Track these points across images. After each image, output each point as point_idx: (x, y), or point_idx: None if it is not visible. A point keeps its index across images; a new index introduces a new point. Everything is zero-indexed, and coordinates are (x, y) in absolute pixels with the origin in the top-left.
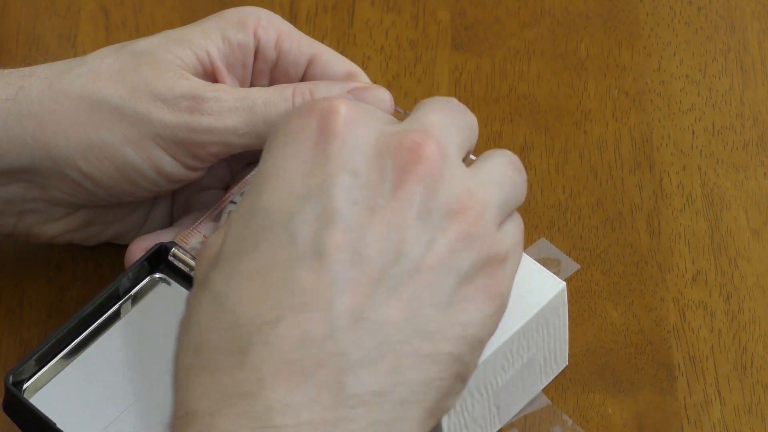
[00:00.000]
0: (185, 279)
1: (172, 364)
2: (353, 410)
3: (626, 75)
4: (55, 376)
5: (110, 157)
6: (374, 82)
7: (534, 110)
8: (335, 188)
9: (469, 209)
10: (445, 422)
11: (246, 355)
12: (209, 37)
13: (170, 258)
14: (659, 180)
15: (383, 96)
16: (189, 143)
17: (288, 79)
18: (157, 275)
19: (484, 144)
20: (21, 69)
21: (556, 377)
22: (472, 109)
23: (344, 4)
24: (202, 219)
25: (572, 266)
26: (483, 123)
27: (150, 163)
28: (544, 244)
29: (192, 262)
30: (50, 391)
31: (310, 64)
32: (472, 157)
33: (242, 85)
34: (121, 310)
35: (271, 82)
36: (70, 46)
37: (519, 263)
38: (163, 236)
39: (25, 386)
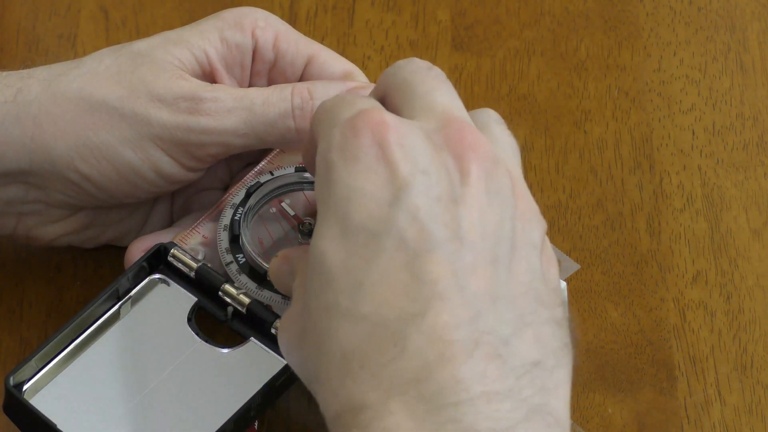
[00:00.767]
0: (184, 279)
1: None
2: (519, 380)
3: (626, 75)
4: (55, 377)
5: (109, 159)
6: (374, 81)
7: (534, 110)
8: (416, 190)
9: (520, 183)
10: None
11: (403, 346)
12: (207, 38)
13: (170, 258)
14: (659, 180)
15: None
16: (188, 144)
17: (286, 80)
18: (157, 276)
19: None
20: (19, 71)
21: None
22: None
23: (344, 4)
24: (201, 219)
25: (572, 266)
26: None
27: (149, 164)
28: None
29: (192, 263)
30: (50, 392)
31: (308, 64)
32: None
33: (240, 86)
34: (121, 311)
35: (270, 83)
36: (70, 47)
37: None
38: (162, 237)
39: (25, 387)
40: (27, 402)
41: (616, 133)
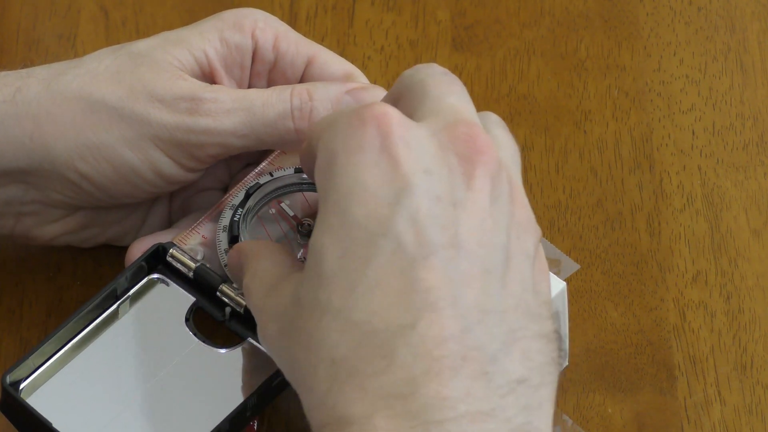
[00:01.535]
0: (183, 279)
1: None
2: (504, 399)
3: (626, 75)
4: (52, 376)
5: (108, 159)
6: (374, 82)
7: (534, 110)
8: (417, 189)
9: (518, 190)
10: None
11: (391, 358)
12: (207, 39)
13: (168, 258)
14: (659, 180)
15: (381, 96)
16: (187, 144)
17: (286, 81)
18: (155, 276)
19: None
20: (19, 70)
21: None
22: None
23: (344, 4)
24: (200, 220)
25: (572, 266)
26: None
27: (148, 164)
28: (544, 244)
29: (190, 263)
30: (47, 392)
31: (308, 65)
32: None
33: (240, 87)
34: (119, 311)
35: (269, 84)
36: (70, 47)
37: None
38: (162, 237)
39: (22, 386)
40: (23, 401)
41: (616, 133)
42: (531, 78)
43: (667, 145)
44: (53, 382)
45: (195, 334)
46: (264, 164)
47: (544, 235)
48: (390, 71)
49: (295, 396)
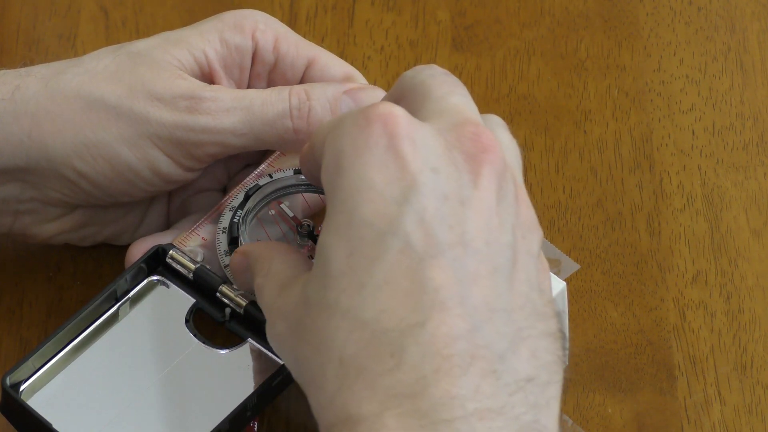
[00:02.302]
0: (183, 281)
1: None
2: (512, 397)
3: (626, 75)
4: (52, 377)
5: (106, 157)
6: (374, 82)
7: (534, 110)
8: (425, 188)
9: (522, 190)
10: None
11: (400, 357)
12: (207, 39)
13: (168, 260)
14: (659, 180)
15: (379, 97)
16: (186, 143)
17: (286, 82)
18: (155, 277)
19: None
20: (18, 69)
21: None
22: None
23: (344, 4)
24: (200, 221)
25: (572, 266)
26: None
27: (146, 163)
28: (544, 244)
29: (190, 264)
30: (47, 393)
31: (308, 67)
32: None
33: (239, 88)
34: (119, 312)
35: (269, 85)
36: (70, 46)
37: None
38: (162, 238)
39: (22, 388)
40: (23, 402)
41: (616, 133)
42: (531, 78)
43: (667, 145)
44: (54, 383)
45: (195, 335)
46: (263, 166)
47: (544, 235)
48: (390, 71)
49: (295, 396)
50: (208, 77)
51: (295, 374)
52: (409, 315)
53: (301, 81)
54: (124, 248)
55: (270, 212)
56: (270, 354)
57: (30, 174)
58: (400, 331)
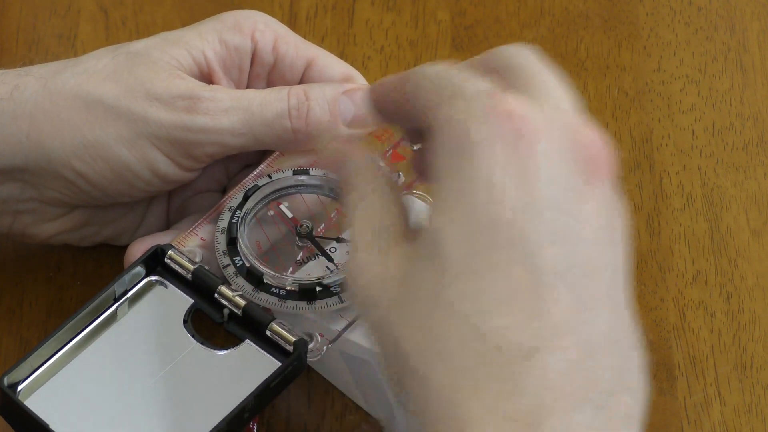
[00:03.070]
0: (182, 281)
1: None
2: (626, 428)
3: (626, 75)
4: (50, 377)
5: (105, 157)
6: (374, 82)
7: None
8: (547, 202)
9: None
10: None
11: (517, 383)
12: (206, 40)
13: (166, 260)
14: (659, 180)
15: None
16: (185, 143)
17: (285, 83)
18: (154, 278)
19: None
20: (17, 69)
21: None
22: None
23: (344, 4)
24: (199, 222)
25: None
26: None
27: (145, 163)
28: None
29: (188, 265)
30: (46, 393)
31: (307, 67)
32: None
33: (238, 88)
34: (118, 313)
35: (268, 86)
36: (70, 46)
37: None
38: (161, 239)
39: (20, 388)
40: (21, 403)
41: (616, 133)
42: None
43: (667, 145)
44: (52, 383)
45: (193, 336)
46: (262, 166)
47: None
48: (390, 71)
49: (295, 396)
50: (207, 78)
51: (387, 352)
52: (529, 339)
53: (301, 81)
54: (124, 248)
55: (269, 213)
56: (268, 355)
57: (28, 174)
58: (520, 353)
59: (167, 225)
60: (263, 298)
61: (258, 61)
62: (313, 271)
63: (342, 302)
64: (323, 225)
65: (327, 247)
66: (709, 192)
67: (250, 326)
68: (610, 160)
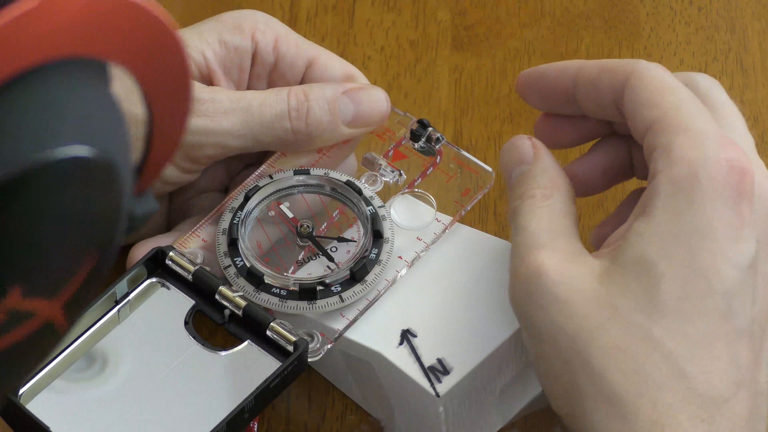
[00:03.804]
0: (183, 282)
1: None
2: None
3: None
4: (52, 381)
5: None
6: (374, 82)
7: (534, 110)
8: (753, 260)
9: None
10: (444, 422)
11: (710, 425)
12: (206, 40)
13: (168, 262)
14: None
15: (379, 96)
16: (184, 145)
17: (286, 83)
18: (155, 279)
19: (484, 144)
20: None
21: None
22: (472, 109)
23: (344, 4)
24: (201, 223)
25: None
26: (483, 123)
27: None
28: None
29: (189, 266)
30: (47, 397)
31: (308, 67)
32: None
33: (239, 89)
34: (119, 314)
35: (269, 86)
36: None
37: None
38: (163, 241)
39: (21, 391)
40: (22, 406)
41: None
42: None
43: None
44: (53, 387)
45: (194, 337)
46: (264, 167)
47: None
48: (390, 71)
49: (295, 396)
50: (207, 79)
51: (549, 369)
52: (723, 387)
53: (302, 81)
54: (125, 250)
55: (270, 213)
56: (268, 356)
57: None
58: (713, 399)
59: (168, 226)
60: (264, 299)
61: (258, 61)
62: (314, 270)
63: (342, 302)
64: (325, 224)
65: (328, 247)
66: None
67: (251, 327)
68: None
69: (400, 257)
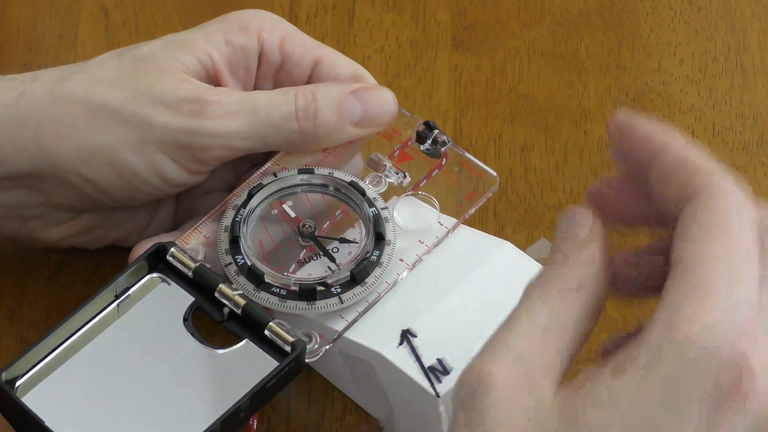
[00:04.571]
0: (183, 279)
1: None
2: None
3: (626, 75)
4: (49, 374)
5: (111, 162)
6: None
7: (534, 110)
8: None
9: None
10: (444, 422)
11: None
12: (212, 41)
13: (169, 258)
14: None
15: (387, 96)
16: (191, 147)
17: (292, 83)
18: (156, 275)
19: (484, 144)
20: (23, 74)
21: None
22: (472, 109)
23: (344, 4)
24: (203, 220)
25: None
26: (483, 123)
27: (151, 167)
28: (544, 244)
29: (190, 263)
30: (43, 390)
31: (315, 66)
32: None
33: (245, 89)
34: (119, 309)
35: (276, 86)
36: (70, 47)
37: None
38: (167, 239)
39: (18, 384)
40: (17, 399)
41: None
42: (531, 78)
43: None
44: (50, 380)
45: (193, 334)
46: (269, 164)
47: (544, 234)
48: (390, 71)
49: (295, 396)
50: (213, 79)
51: None
52: None
53: (308, 80)
54: (126, 249)
55: (272, 212)
56: (266, 355)
57: (35, 179)
58: None
59: (176, 226)
60: (264, 298)
61: (265, 61)
62: (315, 271)
63: (342, 303)
64: (327, 223)
65: (329, 247)
66: None
67: (250, 326)
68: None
69: (401, 260)
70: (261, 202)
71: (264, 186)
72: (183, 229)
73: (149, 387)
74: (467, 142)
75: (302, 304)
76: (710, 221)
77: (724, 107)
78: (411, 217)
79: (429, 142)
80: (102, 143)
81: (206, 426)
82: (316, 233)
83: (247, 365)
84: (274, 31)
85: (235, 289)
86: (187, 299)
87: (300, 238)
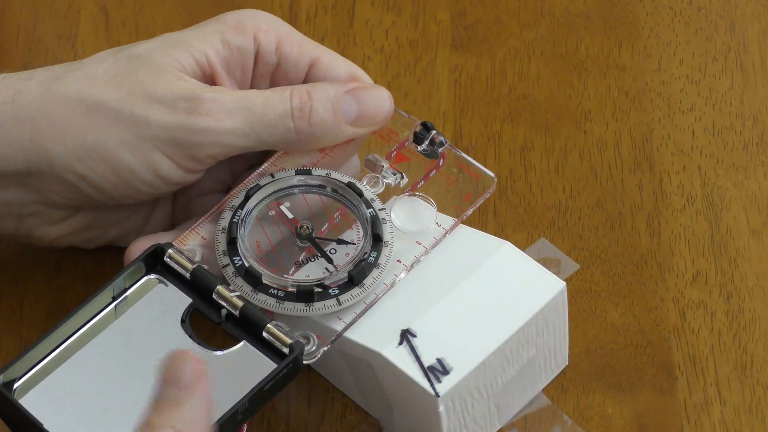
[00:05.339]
0: (181, 280)
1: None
2: None
3: (626, 75)
4: (47, 375)
5: (107, 160)
6: (374, 82)
7: (534, 110)
8: None
9: None
10: (444, 422)
11: None
12: (208, 41)
13: (166, 259)
14: (659, 180)
15: (383, 95)
16: (187, 145)
17: (289, 82)
18: (153, 276)
19: (484, 144)
20: (19, 73)
21: (556, 377)
22: (472, 109)
23: (344, 4)
24: (200, 221)
25: (572, 266)
26: (483, 123)
27: (147, 165)
28: (544, 244)
29: (187, 264)
30: (41, 391)
31: (311, 66)
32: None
33: (242, 89)
34: (117, 311)
35: (272, 85)
36: (70, 47)
37: None
38: (163, 238)
39: (16, 385)
40: (14, 400)
41: (616, 133)
42: (531, 78)
43: (667, 145)
44: (47, 381)
45: (191, 336)
46: (266, 165)
47: (544, 234)
48: (390, 71)
49: (294, 396)
50: (209, 79)
51: None
52: None
53: (305, 81)
54: (125, 249)
55: (270, 213)
56: (264, 356)
57: (32, 178)
58: None
59: (172, 226)
60: (261, 299)
61: (261, 62)
62: (313, 272)
63: (339, 305)
64: (326, 225)
65: (327, 248)
66: (709, 192)
67: (248, 327)
68: None
69: (399, 261)
70: (258, 203)
71: (261, 187)
72: (180, 229)
73: (147, 388)
74: (467, 142)
75: (300, 306)
76: None
77: (724, 107)
78: (408, 219)
79: (426, 142)
80: (98, 141)
81: None
82: (313, 234)
83: (244, 367)
84: (271, 31)
85: (233, 291)
86: (184, 301)
87: (298, 240)
